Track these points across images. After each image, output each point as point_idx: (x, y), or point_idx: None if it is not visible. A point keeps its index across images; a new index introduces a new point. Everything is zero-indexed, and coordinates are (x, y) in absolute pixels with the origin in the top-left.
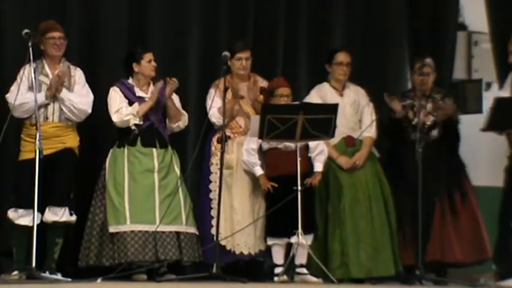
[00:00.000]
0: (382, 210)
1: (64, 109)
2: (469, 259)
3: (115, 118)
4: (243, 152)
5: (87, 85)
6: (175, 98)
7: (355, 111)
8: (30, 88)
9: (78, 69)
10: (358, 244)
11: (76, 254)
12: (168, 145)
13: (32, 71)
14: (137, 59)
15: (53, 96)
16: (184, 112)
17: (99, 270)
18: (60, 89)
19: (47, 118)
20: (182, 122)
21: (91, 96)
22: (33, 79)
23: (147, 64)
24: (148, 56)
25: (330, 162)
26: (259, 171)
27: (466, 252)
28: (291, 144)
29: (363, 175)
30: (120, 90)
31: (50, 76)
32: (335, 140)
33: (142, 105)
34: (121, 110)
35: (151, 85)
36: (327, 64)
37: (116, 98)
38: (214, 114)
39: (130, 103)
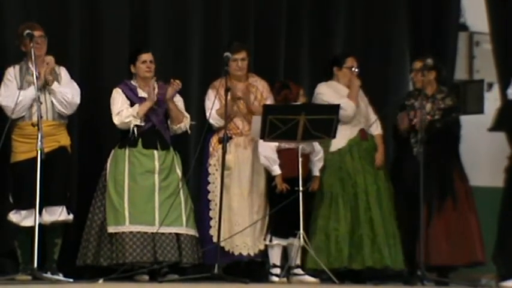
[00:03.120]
0: (391, 206)
1: (56, 102)
2: (457, 262)
3: (116, 120)
4: (263, 147)
5: (72, 80)
6: (179, 100)
7: (365, 108)
8: (20, 89)
9: (62, 67)
10: (387, 233)
11: (75, 253)
12: (170, 146)
13: (23, 70)
14: (133, 60)
15: (44, 86)
16: (186, 114)
17: (100, 270)
18: (51, 78)
19: (41, 117)
20: (184, 124)
21: (78, 88)
22: (35, 77)
23: (141, 65)
24: (143, 56)
25: (350, 156)
26: (277, 170)
27: (453, 255)
28: (305, 147)
29: (379, 172)
30: (123, 91)
31: (36, 75)
32: (353, 132)
33: (141, 106)
34: (122, 112)
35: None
36: (335, 67)
37: (117, 99)
38: (214, 116)
39: (133, 104)
